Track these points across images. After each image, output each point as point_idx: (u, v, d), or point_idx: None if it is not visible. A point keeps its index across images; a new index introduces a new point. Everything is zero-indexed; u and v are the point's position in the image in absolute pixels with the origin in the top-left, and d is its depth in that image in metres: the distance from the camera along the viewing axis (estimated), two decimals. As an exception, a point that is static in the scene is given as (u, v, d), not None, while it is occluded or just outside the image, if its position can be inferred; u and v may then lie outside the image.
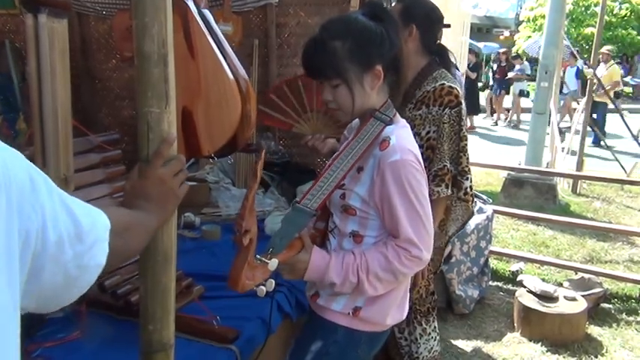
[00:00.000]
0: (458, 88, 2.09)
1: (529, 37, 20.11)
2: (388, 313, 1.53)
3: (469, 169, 2.15)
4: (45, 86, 1.18)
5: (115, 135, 2.03)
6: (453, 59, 2.25)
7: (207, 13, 1.51)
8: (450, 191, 2.10)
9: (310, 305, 1.62)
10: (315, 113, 2.16)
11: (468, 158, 2.14)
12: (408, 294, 1.65)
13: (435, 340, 2.33)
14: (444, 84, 2.06)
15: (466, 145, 2.12)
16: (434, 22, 2.16)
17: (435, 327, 2.35)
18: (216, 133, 1.37)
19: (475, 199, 2.66)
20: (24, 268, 0.67)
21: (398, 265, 1.39)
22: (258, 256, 1.29)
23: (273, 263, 1.31)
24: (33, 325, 1.67)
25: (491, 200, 4.60)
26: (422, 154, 1.52)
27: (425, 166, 1.49)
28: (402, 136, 1.43)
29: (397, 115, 1.50)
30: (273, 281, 1.36)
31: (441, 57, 2.19)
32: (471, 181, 2.16)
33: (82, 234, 0.75)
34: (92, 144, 1.84)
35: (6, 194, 0.63)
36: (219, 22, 3.04)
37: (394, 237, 1.42)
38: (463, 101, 2.10)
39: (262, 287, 1.33)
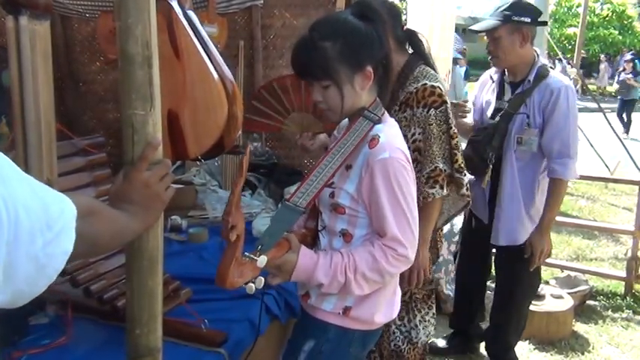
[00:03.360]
0: (440, 87, 2.06)
1: (513, 37, 20.27)
2: (378, 311, 1.53)
3: (464, 166, 2.12)
4: (27, 89, 1.16)
5: (99, 138, 2.02)
6: (426, 45, 2.19)
7: (191, 14, 1.50)
8: (445, 191, 2.07)
9: (302, 305, 1.61)
10: (299, 113, 2.16)
11: (462, 155, 2.10)
12: (400, 291, 1.65)
13: (432, 325, 2.38)
14: (426, 84, 2.03)
15: (458, 142, 2.09)
16: (397, 17, 2.12)
17: (433, 313, 2.37)
18: (202, 135, 1.36)
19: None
20: None
21: (385, 265, 1.39)
22: (246, 254, 1.28)
23: (261, 260, 1.29)
24: (17, 332, 1.65)
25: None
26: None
27: (413, 168, 1.49)
28: (390, 134, 1.43)
29: (386, 114, 1.50)
30: (263, 279, 1.34)
31: (413, 44, 2.15)
32: (467, 177, 2.13)
33: (50, 221, 0.74)
34: (77, 147, 1.82)
35: None
36: (204, 23, 3.02)
37: (380, 236, 1.42)
38: (448, 99, 2.08)
39: (252, 284, 1.31)
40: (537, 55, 2.49)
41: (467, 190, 2.11)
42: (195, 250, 2.53)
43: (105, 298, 1.72)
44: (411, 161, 1.44)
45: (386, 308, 1.56)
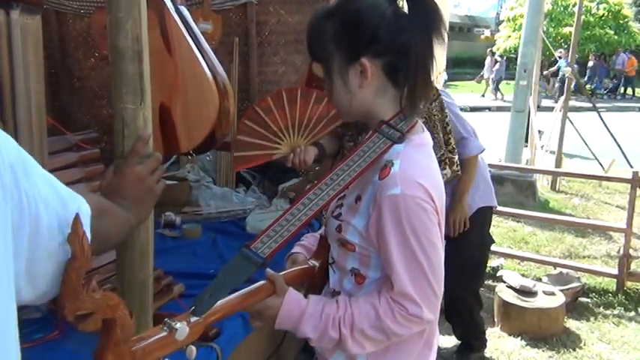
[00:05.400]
0: (434, 81, 2.39)
1: (509, 36, 20.38)
2: None
3: (454, 147, 2.47)
4: (18, 83, 1.17)
5: (93, 133, 2.03)
6: None
7: (184, 10, 1.51)
8: (450, 172, 2.42)
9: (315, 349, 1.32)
10: (286, 131, 2.11)
11: (453, 137, 2.47)
12: (436, 343, 1.30)
13: None
14: None
15: (450, 128, 2.44)
16: None
17: None
18: (194, 130, 1.36)
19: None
20: (21, 253, 0.67)
21: (390, 324, 1.10)
22: (167, 320, 0.94)
23: (181, 331, 0.93)
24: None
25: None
26: None
27: None
28: (411, 160, 1.10)
29: (418, 129, 1.18)
30: (194, 348, 1.00)
31: None
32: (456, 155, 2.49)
33: (70, 218, 0.74)
34: (70, 142, 1.83)
35: (0, 179, 0.63)
36: (198, 20, 3.03)
37: (391, 287, 1.12)
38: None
39: None
40: None
41: (457, 167, 2.47)
42: (188, 246, 2.54)
43: (97, 292, 1.72)
44: (436, 198, 1.10)
45: None
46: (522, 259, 4.32)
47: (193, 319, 0.96)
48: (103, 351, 0.87)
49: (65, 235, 0.73)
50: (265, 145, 2.08)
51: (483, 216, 2.87)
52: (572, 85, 6.61)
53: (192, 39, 1.34)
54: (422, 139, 1.17)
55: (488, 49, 18.39)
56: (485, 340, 3.03)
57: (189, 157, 3.16)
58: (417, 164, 1.11)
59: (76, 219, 0.72)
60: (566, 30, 18.53)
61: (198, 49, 1.32)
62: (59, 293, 0.75)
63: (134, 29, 0.99)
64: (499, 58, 17.58)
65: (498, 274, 3.84)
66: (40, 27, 1.28)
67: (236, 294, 1.05)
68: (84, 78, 3.88)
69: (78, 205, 0.78)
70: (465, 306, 2.92)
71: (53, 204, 0.72)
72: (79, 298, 0.76)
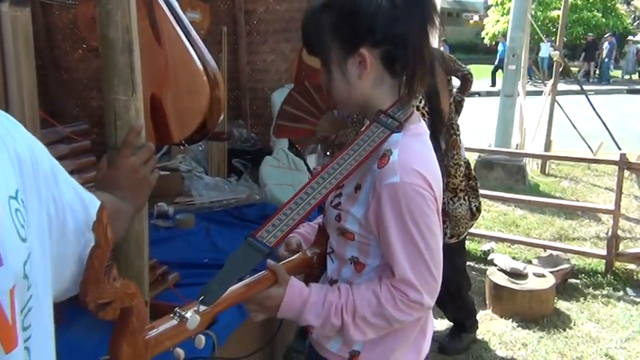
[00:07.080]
0: None
1: (497, 21, 20.39)
2: (398, 356, 1.25)
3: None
4: (10, 76, 1.17)
5: (83, 125, 2.02)
6: None
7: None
8: None
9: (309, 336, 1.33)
10: (331, 111, 2.16)
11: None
12: (431, 329, 1.34)
13: None
14: None
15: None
16: None
17: None
18: (185, 120, 1.36)
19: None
20: (49, 258, 0.68)
21: (392, 311, 1.12)
22: (178, 310, 0.96)
23: (192, 320, 0.94)
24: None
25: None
26: None
27: None
28: (409, 148, 1.12)
29: (414, 118, 1.19)
30: (203, 337, 1.02)
31: None
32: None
33: (90, 222, 0.75)
34: (61, 135, 1.83)
35: (36, 182, 0.65)
36: (186, 9, 3.02)
37: (392, 274, 1.14)
38: None
39: (179, 349, 0.97)
40: None
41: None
42: (182, 235, 2.56)
43: (93, 283, 1.73)
44: (434, 187, 1.12)
45: (408, 352, 1.26)
46: (513, 242, 4.37)
47: (202, 308, 0.96)
48: (118, 340, 0.87)
49: (87, 239, 0.74)
50: (309, 120, 2.15)
51: None
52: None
53: (182, 29, 1.34)
54: (419, 128, 1.18)
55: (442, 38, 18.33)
56: (477, 322, 3.08)
57: (182, 147, 3.18)
58: (415, 153, 1.12)
59: (102, 208, 0.72)
60: (554, 13, 18.56)
61: (187, 39, 1.33)
62: (81, 281, 0.76)
63: (124, 20, 0.99)
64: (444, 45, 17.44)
65: (489, 257, 3.89)
66: (29, 19, 1.28)
67: (239, 284, 1.06)
68: (72, 70, 3.86)
69: (97, 208, 0.80)
70: (453, 285, 2.92)
71: (77, 210, 0.74)
72: (101, 286, 0.78)
